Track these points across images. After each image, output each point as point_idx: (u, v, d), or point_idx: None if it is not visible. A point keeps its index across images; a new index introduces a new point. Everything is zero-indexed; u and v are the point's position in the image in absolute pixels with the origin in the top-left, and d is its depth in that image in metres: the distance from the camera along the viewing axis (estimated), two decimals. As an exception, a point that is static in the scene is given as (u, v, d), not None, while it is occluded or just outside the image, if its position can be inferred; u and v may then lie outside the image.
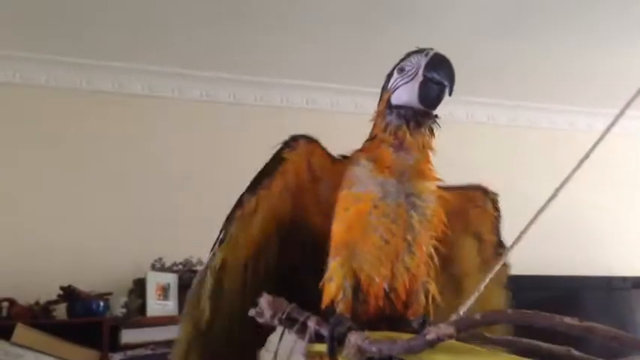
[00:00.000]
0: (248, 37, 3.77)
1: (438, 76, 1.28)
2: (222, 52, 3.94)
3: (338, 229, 1.28)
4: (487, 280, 1.17)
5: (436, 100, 1.29)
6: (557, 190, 1.20)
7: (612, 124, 1.61)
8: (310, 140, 1.38)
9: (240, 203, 1.38)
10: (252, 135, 4.23)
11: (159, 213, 3.84)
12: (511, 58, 4.20)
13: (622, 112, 1.66)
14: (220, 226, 3.91)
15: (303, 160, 1.36)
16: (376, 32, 3.78)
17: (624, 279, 4.54)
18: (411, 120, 1.29)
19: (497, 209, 1.46)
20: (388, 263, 1.24)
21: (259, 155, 4.70)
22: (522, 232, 1.21)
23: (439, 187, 1.32)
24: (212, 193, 3.98)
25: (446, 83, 1.27)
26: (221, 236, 1.36)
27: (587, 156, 1.28)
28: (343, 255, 1.26)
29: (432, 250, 1.28)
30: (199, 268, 3.52)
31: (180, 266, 3.55)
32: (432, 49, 1.31)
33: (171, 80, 4.14)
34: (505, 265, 1.40)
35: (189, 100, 4.19)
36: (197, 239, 3.72)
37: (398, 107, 1.31)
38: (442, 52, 1.30)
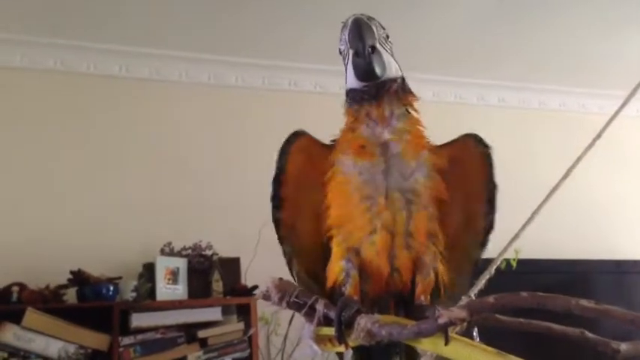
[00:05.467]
0: (256, 20, 3.74)
1: (353, 46, 1.23)
2: (229, 35, 3.91)
3: (331, 214, 1.26)
4: (498, 261, 1.15)
5: (367, 71, 1.22)
6: (570, 169, 1.18)
7: (623, 106, 1.59)
8: (300, 134, 1.35)
9: (277, 222, 1.35)
10: (259, 119, 4.22)
11: (168, 197, 3.84)
12: (521, 41, 4.15)
13: (632, 94, 1.64)
14: (229, 209, 3.88)
15: (301, 155, 1.33)
16: (384, 14, 3.72)
17: (634, 262, 4.52)
18: (364, 101, 1.25)
19: (486, 156, 1.32)
20: (384, 245, 1.21)
21: (267, 139, 4.67)
22: (534, 213, 1.19)
23: (433, 148, 1.27)
24: (221, 177, 3.98)
25: (360, 50, 1.21)
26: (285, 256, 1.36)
27: (599, 135, 1.26)
28: (339, 240, 1.25)
29: (434, 227, 1.24)
30: (208, 252, 3.54)
31: (190, 251, 3.55)
32: (350, 17, 1.25)
33: (179, 64, 4.12)
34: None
35: (197, 84, 4.16)
36: (206, 224, 3.76)
37: (350, 92, 1.28)
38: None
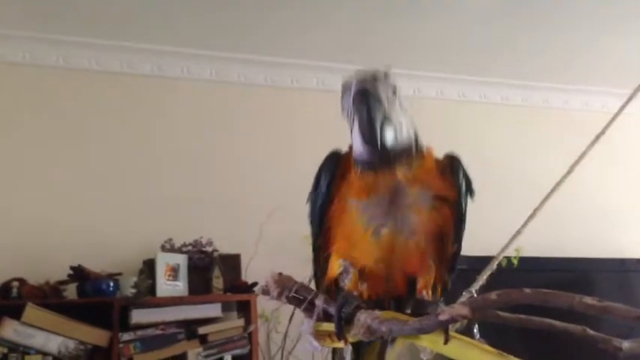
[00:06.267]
0: (258, 16, 3.72)
1: (359, 116, 1.16)
2: (232, 31, 3.90)
3: (333, 240, 1.25)
4: (499, 257, 1.14)
5: (377, 145, 1.14)
6: (573, 166, 1.16)
7: (627, 102, 1.58)
8: (340, 157, 1.27)
9: (318, 250, 1.32)
10: (261, 116, 4.21)
11: (168, 194, 3.82)
12: (525, 38, 4.13)
13: (635, 92, 1.63)
14: (230, 205, 3.86)
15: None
16: (387, 12, 3.72)
17: (637, 261, 4.50)
18: (376, 168, 1.18)
19: (456, 177, 1.24)
20: (381, 269, 1.21)
21: (269, 136, 4.68)
22: (536, 209, 1.18)
23: (440, 176, 1.23)
24: (222, 174, 3.97)
25: (365, 124, 1.14)
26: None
27: (603, 132, 1.24)
28: (340, 253, 1.24)
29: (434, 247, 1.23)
30: (209, 248, 3.54)
31: (190, 247, 3.54)
32: (353, 80, 1.19)
33: (181, 60, 4.11)
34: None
35: (199, 81, 4.15)
36: (207, 220, 3.75)
37: (358, 158, 1.21)
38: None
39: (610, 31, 4.08)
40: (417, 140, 1.21)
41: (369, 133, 1.14)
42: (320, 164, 1.28)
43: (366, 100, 1.15)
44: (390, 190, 1.18)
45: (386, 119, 1.15)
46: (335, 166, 1.25)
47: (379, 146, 1.14)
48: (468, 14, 3.76)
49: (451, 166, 1.24)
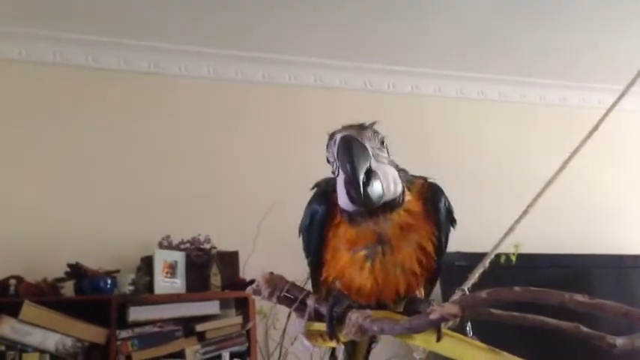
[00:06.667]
0: (256, 14, 3.72)
1: (343, 170, 1.10)
2: (230, 30, 3.89)
3: (327, 266, 1.25)
4: (492, 255, 1.14)
5: (364, 203, 1.10)
6: (566, 162, 1.16)
7: (620, 98, 1.58)
8: (328, 196, 1.23)
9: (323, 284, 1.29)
10: (259, 113, 4.20)
11: (166, 191, 3.82)
12: (524, 38, 4.13)
13: (629, 87, 1.62)
14: (228, 203, 3.86)
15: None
16: (387, 11, 3.71)
17: (635, 257, 4.50)
18: (364, 218, 1.14)
19: (437, 213, 1.21)
20: (372, 288, 1.20)
21: (267, 133, 4.67)
22: (529, 206, 1.17)
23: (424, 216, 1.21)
24: (219, 170, 3.97)
25: (350, 181, 1.08)
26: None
27: (596, 127, 1.24)
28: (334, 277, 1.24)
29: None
30: (206, 246, 3.53)
31: (188, 244, 3.54)
32: (339, 131, 1.15)
33: (179, 58, 4.11)
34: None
35: (197, 78, 4.15)
36: (205, 217, 3.75)
37: (343, 208, 1.16)
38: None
39: (610, 31, 4.08)
40: (403, 191, 1.17)
41: (355, 191, 1.08)
42: (309, 200, 1.26)
43: (350, 148, 1.10)
44: (375, 238, 1.16)
45: (372, 172, 1.10)
46: (324, 212, 1.22)
47: (364, 201, 1.09)
48: (467, 13, 3.77)
49: (432, 200, 1.22)
